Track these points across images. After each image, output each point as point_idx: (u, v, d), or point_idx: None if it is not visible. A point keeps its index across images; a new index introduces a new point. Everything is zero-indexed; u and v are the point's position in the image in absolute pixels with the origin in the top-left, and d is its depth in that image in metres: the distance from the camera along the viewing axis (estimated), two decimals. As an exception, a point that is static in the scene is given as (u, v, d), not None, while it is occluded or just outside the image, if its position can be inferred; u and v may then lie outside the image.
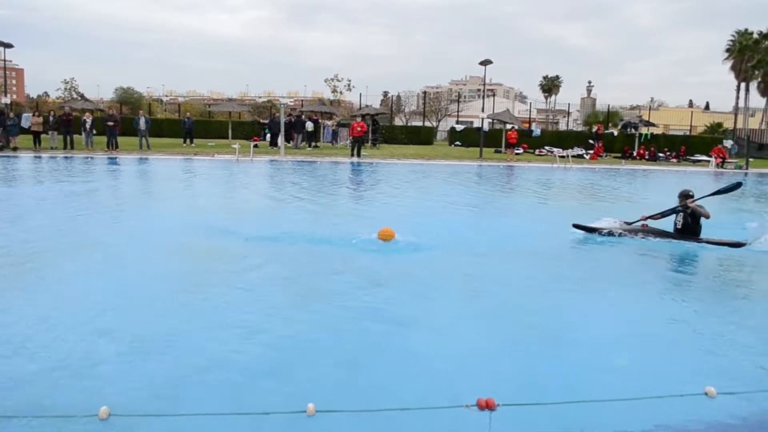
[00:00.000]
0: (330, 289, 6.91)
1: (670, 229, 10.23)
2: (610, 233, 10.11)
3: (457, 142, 41.66)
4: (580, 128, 54.27)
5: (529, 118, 54.12)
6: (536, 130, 42.84)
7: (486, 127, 36.29)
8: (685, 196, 10.14)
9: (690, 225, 10.03)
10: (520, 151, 35.37)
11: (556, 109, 76.06)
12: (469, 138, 40.75)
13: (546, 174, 25.02)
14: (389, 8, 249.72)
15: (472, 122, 49.95)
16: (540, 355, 5.12)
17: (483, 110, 34.42)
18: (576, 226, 10.28)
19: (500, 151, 34.62)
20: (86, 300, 6.28)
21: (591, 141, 38.88)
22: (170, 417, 3.80)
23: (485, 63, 32.02)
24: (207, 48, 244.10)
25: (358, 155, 28.25)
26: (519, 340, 5.51)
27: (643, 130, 39.41)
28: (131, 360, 4.77)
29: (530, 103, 60.16)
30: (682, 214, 10.14)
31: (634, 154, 36.78)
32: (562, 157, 30.74)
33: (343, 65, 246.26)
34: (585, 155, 35.91)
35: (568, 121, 58.03)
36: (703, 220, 9.97)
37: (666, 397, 3.77)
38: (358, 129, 29.04)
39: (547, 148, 37.66)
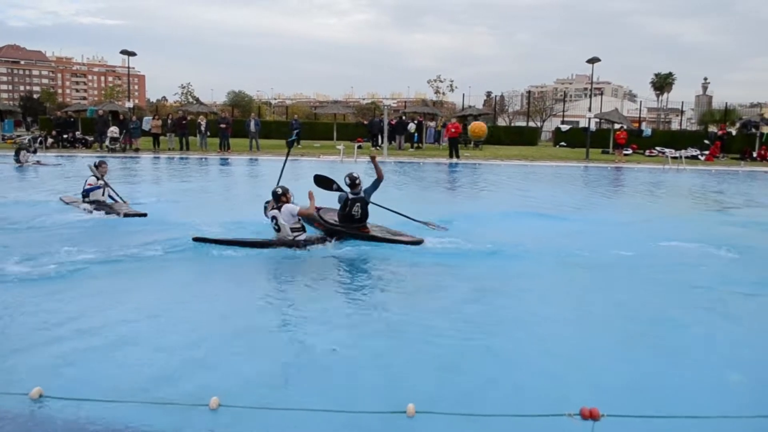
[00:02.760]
0: (431, 292, 6.94)
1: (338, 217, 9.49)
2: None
3: (563, 143, 40.53)
4: (695, 128, 51.52)
5: (639, 117, 51.70)
6: (647, 130, 40.97)
7: (593, 127, 35.12)
8: (353, 180, 9.34)
9: (367, 213, 9.37)
10: (629, 151, 33.98)
11: (668, 108, 72.59)
12: (575, 138, 39.50)
13: (656, 176, 23.94)
14: (492, 8, 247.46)
15: (578, 122, 48.45)
16: (647, 366, 4.93)
17: (590, 110, 33.40)
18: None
19: (608, 152, 33.40)
20: (191, 296, 6.64)
21: (706, 141, 36.77)
22: (274, 411, 3.95)
23: (593, 61, 31.04)
24: (313, 51, 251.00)
25: (457, 156, 28.13)
26: (626, 349, 5.33)
27: (765, 129, 36.86)
28: (240, 354, 5.00)
29: (640, 101, 57.39)
30: (359, 203, 9.27)
31: (755, 155, 34.52)
32: (675, 158, 29.22)
33: (446, 66, 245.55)
34: (700, 156, 34.03)
35: (681, 120, 55.10)
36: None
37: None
38: (453, 130, 29.04)
39: (658, 148, 35.90)
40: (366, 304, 6.47)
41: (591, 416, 3.17)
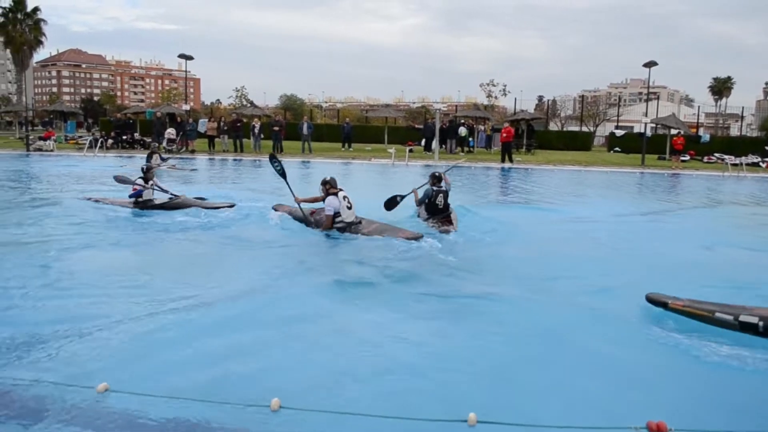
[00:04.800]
0: (488, 299, 6.88)
1: (424, 210, 10.73)
2: None
3: (617, 148, 39.76)
4: (755, 134, 49.85)
5: (697, 122, 50.46)
6: (705, 136, 39.89)
7: (648, 132, 34.38)
8: (436, 177, 10.62)
9: (449, 206, 10.70)
10: (687, 158, 33.13)
11: (727, 113, 70.65)
12: (629, 144, 38.72)
13: (716, 183, 23.27)
14: (541, 11, 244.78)
15: (632, 127, 47.51)
16: (716, 379, 4.77)
17: (646, 114, 32.69)
18: None
19: (664, 158, 32.65)
20: (254, 297, 6.73)
21: (767, 147, 35.54)
22: (334, 414, 3.97)
23: (649, 65, 30.40)
24: (363, 55, 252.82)
25: (510, 161, 27.86)
26: (693, 362, 5.16)
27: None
28: (301, 357, 5.05)
29: (698, 106, 56.00)
30: (442, 194, 10.60)
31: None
32: (735, 164, 28.34)
33: (497, 70, 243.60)
34: (761, 163, 32.89)
35: (741, 125, 53.39)
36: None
37: None
38: (505, 135, 28.77)
39: (717, 155, 34.91)
40: (423, 310, 6.42)
41: (658, 430, 3.11)
